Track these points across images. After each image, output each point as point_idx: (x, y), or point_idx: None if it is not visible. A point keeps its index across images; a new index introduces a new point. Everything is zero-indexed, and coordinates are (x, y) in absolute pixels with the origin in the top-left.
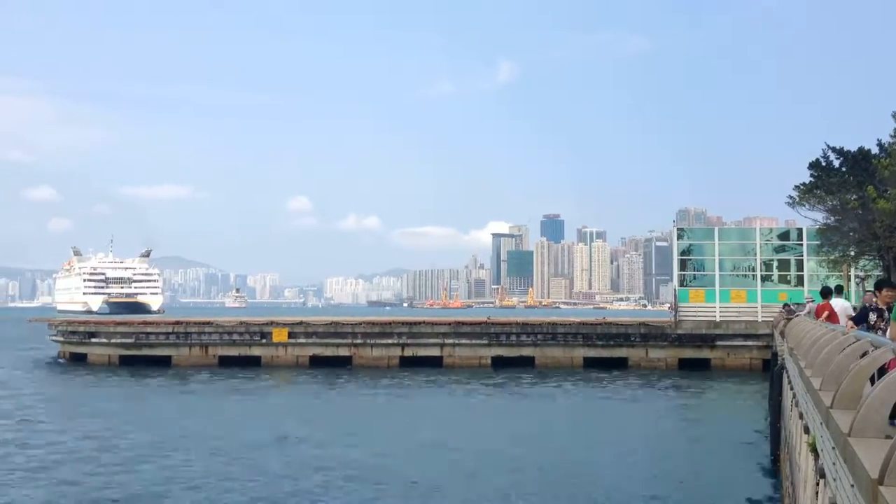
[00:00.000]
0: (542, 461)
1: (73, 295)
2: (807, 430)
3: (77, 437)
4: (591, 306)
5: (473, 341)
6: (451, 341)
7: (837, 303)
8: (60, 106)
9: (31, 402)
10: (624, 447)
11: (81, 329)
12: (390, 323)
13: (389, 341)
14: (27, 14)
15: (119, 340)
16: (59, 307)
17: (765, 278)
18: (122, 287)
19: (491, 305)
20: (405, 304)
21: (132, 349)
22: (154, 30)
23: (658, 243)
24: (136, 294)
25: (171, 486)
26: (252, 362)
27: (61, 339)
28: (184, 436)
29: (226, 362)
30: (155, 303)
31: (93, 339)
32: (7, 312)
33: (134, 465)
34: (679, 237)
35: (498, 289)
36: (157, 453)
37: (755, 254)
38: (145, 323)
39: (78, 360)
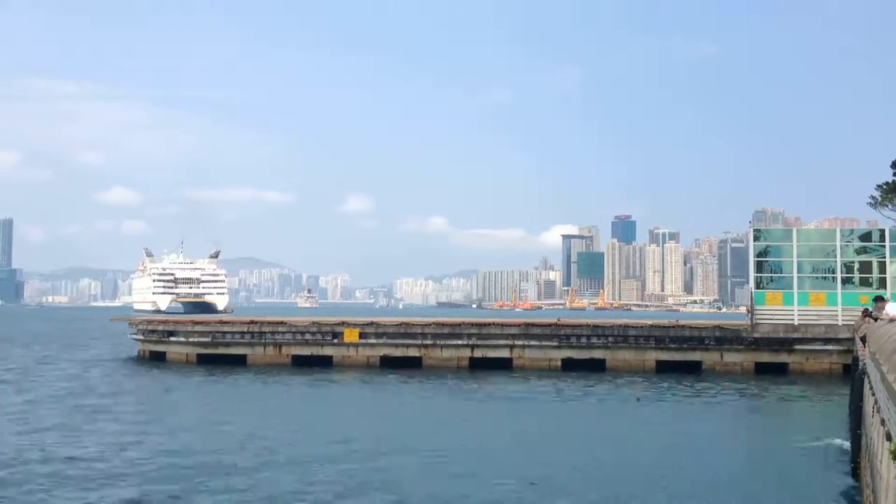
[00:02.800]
0: (620, 464)
1: (144, 294)
2: (889, 437)
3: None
4: (664, 308)
5: (543, 343)
6: (520, 343)
7: None
8: (145, 111)
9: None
10: (700, 452)
11: (160, 328)
12: (460, 324)
13: (459, 342)
14: (125, 28)
15: (197, 339)
16: (136, 306)
17: (845, 281)
18: (190, 287)
19: (561, 307)
20: (474, 306)
21: (209, 348)
22: (231, 38)
23: (733, 244)
24: (204, 294)
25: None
26: (324, 362)
27: (141, 337)
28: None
29: (298, 361)
30: (221, 302)
31: (171, 338)
32: (91, 312)
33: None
34: (756, 238)
35: (568, 290)
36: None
37: (835, 256)
38: (222, 322)
39: (157, 358)
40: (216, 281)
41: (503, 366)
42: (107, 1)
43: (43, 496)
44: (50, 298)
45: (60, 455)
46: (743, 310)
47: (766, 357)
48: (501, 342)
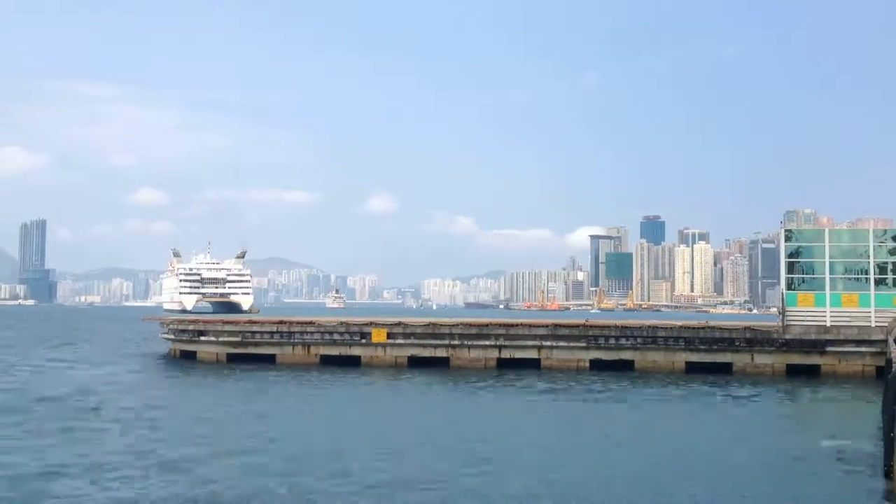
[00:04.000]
0: (650, 468)
1: (172, 294)
2: None
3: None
4: (693, 310)
5: (571, 344)
6: (548, 343)
7: None
8: (177, 112)
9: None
10: (731, 456)
11: (191, 328)
12: (487, 324)
13: (486, 343)
14: (164, 29)
15: (226, 339)
16: (164, 306)
17: (878, 282)
18: (216, 287)
19: (589, 308)
20: (501, 306)
21: (239, 347)
22: (260, 41)
23: (764, 245)
24: (229, 294)
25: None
26: (352, 362)
27: (172, 337)
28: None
29: (327, 361)
30: (246, 302)
31: (202, 338)
32: (123, 312)
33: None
34: (787, 239)
35: (596, 291)
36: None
37: (868, 256)
38: (251, 322)
39: (188, 357)
40: (241, 281)
41: (531, 366)
42: (141, 5)
43: None
44: (83, 298)
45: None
46: (774, 311)
47: (797, 359)
48: (529, 343)
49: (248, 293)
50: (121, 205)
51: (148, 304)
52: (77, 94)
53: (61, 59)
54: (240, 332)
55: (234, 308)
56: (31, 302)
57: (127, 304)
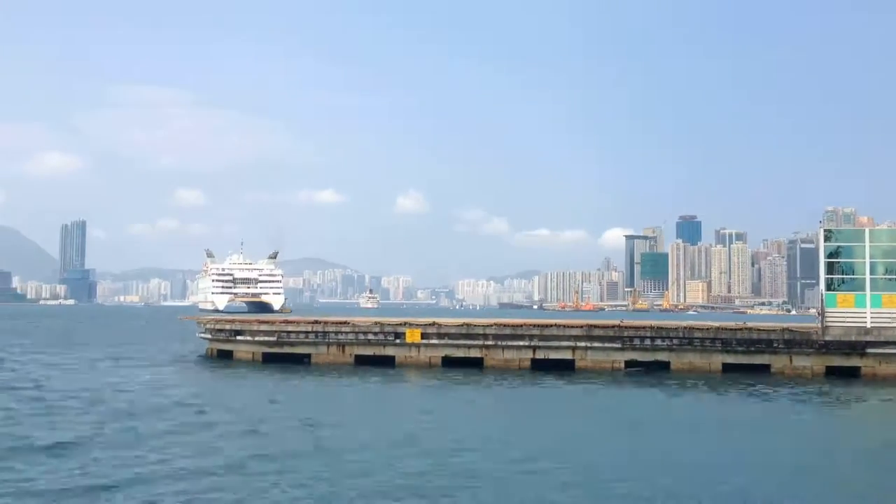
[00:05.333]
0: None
1: (206, 294)
2: None
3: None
4: (731, 311)
5: (606, 345)
6: (583, 344)
7: None
8: (226, 117)
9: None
10: (774, 459)
11: (227, 327)
12: (521, 325)
13: (521, 343)
14: (219, 41)
15: (262, 339)
16: (199, 306)
17: None
18: (248, 287)
19: (624, 309)
20: (535, 307)
21: (274, 347)
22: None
23: (803, 245)
24: (260, 294)
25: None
26: (386, 362)
27: (209, 336)
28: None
29: (361, 361)
30: (277, 302)
31: (238, 338)
32: (161, 311)
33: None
34: (826, 239)
35: (631, 291)
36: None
37: None
38: (286, 322)
39: (224, 356)
40: (273, 281)
41: (565, 367)
42: (199, 18)
43: None
44: (122, 298)
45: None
46: (813, 312)
47: (836, 361)
48: (564, 343)
49: (280, 293)
50: (159, 206)
51: (185, 303)
52: (125, 98)
53: (116, 65)
54: (275, 331)
55: (265, 308)
56: (70, 302)
57: (165, 303)
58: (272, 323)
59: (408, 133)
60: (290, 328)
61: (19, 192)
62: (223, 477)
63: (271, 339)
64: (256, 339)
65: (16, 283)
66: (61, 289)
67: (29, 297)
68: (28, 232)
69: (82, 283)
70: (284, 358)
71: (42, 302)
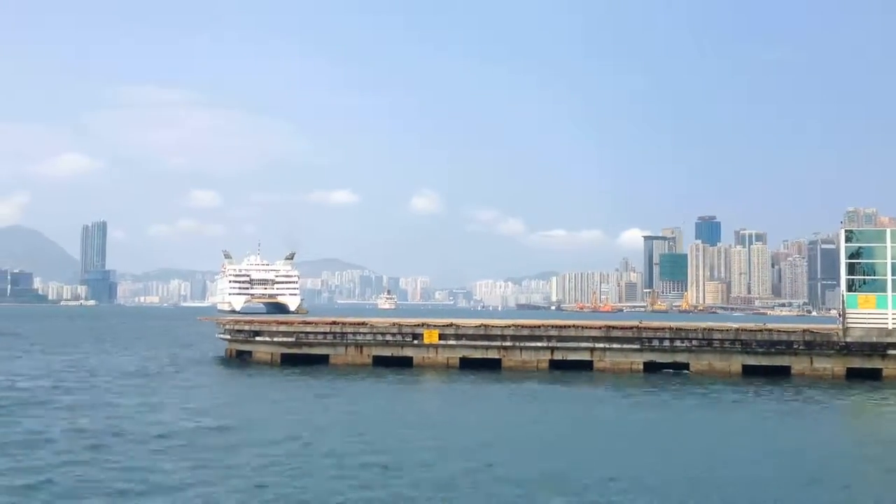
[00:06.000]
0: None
1: (224, 295)
2: None
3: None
4: (750, 312)
5: (625, 346)
6: (601, 346)
7: None
8: (232, 118)
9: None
10: (802, 462)
11: (246, 328)
12: (539, 326)
13: (539, 345)
14: (241, 44)
15: (281, 339)
16: (218, 307)
17: None
18: (265, 288)
19: (642, 310)
20: (553, 308)
21: (293, 348)
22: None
23: (823, 246)
24: (277, 295)
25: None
26: (404, 363)
27: (228, 337)
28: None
29: (379, 362)
30: (293, 303)
31: (257, 338)
32: (181, 312)
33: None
34: (847, 239)
35: (650, 292)
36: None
37: None
38: (305, 322)
39: (243, 357)
40: (289, 282)
41: (583, 369)
42: (219, 21)
43: None
44: (142, 299)
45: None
46: (834, 313)
47: (858, 362)
48: (582, 345)
49: (296, 294)
50: (175, 207)
51: (205, 304)
52: (140, 99)
53: (129, 66)
54: (294, 332)
55: (281, 309)
56: (91, 302)
57: (185, 304)
58: (291, 324)
59: (418, 133)
60: (308, 329)
61: (39, 194)
62: None
63: (290, 339)
64: (275, 339)
65: (37, 284)
66: (82, 289)
67: (50, 297)
68: (49, 233)
69: (103, 283)
70: (303, 359)
71: (63, 303)
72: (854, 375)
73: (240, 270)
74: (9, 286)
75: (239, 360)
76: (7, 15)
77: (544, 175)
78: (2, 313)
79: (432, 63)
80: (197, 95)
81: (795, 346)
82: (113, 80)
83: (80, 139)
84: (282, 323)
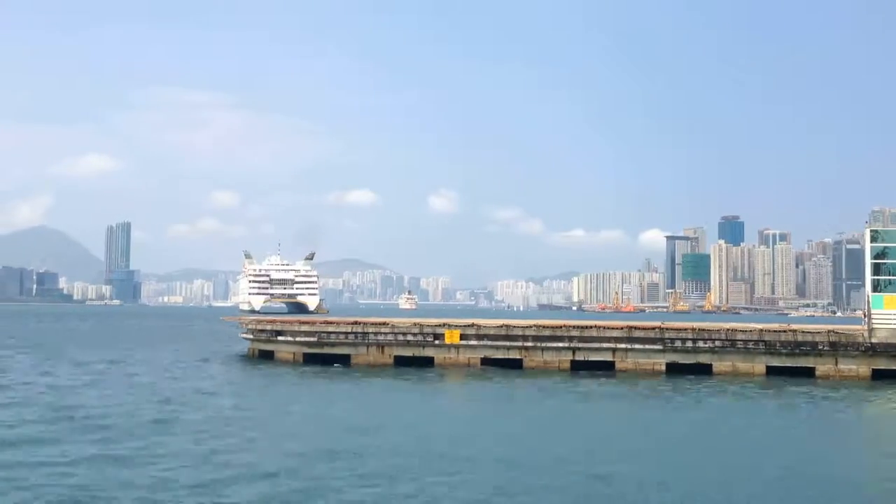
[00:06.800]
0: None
1: (244, 295)
2: None
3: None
4: (774, 312)
5: (647, 346)
6: (623, 346)
7: None
8: (259, 119)
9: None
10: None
11: (269, 328)
12: (561, 326)
13: (560, 345)
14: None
15: (303, 339)
16: (240, 307)
17: None
18: (284, 288)
19: (664, 310)
20: (574, 308)
21: (315, 347)
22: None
23: (849, 246)
24: (296, 295)
25: None
26: (426, 363)
27: (251, 337)
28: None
29: (401, 362)
30: (312, 303)
31: (279, 338)
32: (204, 311)
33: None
34: (873, 239)
35: (672, 293)
36: None
37: None
38: (327, 322)
39: (266, 356)
40: (308, 282)
41: (605, 369)
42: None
43: None
44: (165, 299)
45: None
46: (859, 314)
47: (883, 363)
48: (604, 345)
49: (315, 294)
50: (197, 207)
51: (228, 304)
52: (165, 101)
53: (153, 67)
54: (316, 332)
55: (301, 308)
56: (116, 302)
57: (207, 304)
58: (313, 324)
59: (435, 132)
60: (330, 329)
61: (63, 195)
62: None
63: (312, 339)
64: (297, 339)
65: (62, 283)
66: (107, 289)
67: (75, 297)
68: (74, 234)
69: (127, 283)
70: (325, 358)
71: (88, 302)
72: (880, 377)
73: (259, 270)
74: (34, 286)
75: (262, 359)
76: (35, 16)
77: (562, 175)
78: (41, 312)
79: (449, 63)
80: (223, 97)
81: (820, 348)
82: (137, 82)
83: (104, 140)
84: (304, 323)
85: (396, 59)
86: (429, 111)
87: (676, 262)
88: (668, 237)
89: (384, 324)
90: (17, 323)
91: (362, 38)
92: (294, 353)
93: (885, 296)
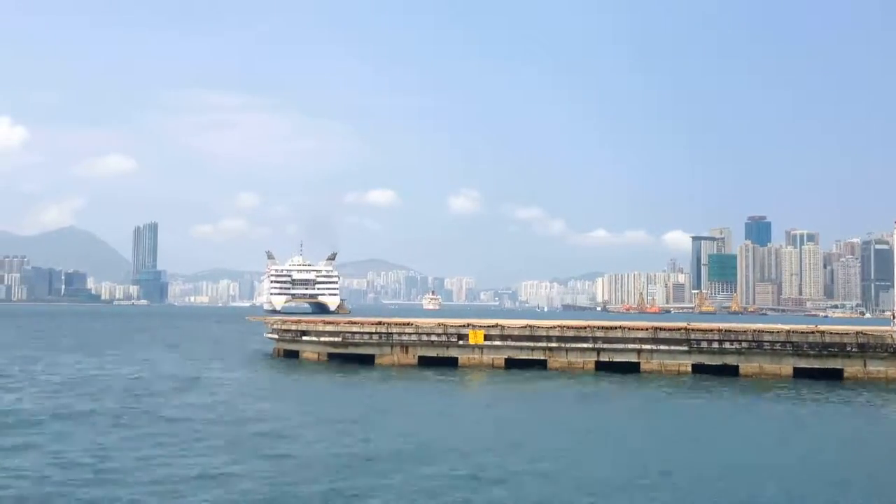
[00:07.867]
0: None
1: (266, 295)
2: None
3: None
4: (802, 313)
5: (672, 348)
6: (648, 347)
7: None
8: (280, 119)
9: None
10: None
11: (293, 328)
12: (585, 327)
13: (585, 346)
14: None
15: (328, 339)
16: (264, 307)
17: None
18: (305, 288)
19: (690, 311)
20: (599, 309)
21: (339, 348)
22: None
23: (877, 246)
24: (317, 295)
25: None
26: (449, 363)
27: (276, 337)
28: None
29: (425, 363)
30: (333, 303)
31: (304, 338)
32: (230, 311)
33: None
34: None
35: (697, 294)
36: None
37: None
38: (351, 322)
39: (291, 356)
40: (329, 282)
41: (630, 370)
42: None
43: None
44: (192, 299)
45: None
46: (888, 315)
47: None
48: (629, 346)
49: (336, 294)
50: (222, 208)
51: (247, 304)
52: (192, 103)
53: (181, 70)
54: (340, 332)
55: (322, 308)
56: (143, 302)
57: (233, 304)
58: (337, 324)
59: (456, 132)
60: (354, 329)
61: (91, 196)
62: None
63: (336, 339)
64: (322, 339)
65: (90, 283)
66: (134, 289)
67: (103, 297)
68: (102, 234)
69: (154, 283)
70: (349, 358)
71: (116, 302)
72: None
73: (281, 271)
74: (63, 286)
75: (287, 359)
76: (63, 17)
77: (582, 176)
78: (78, 312)
79: (466, 64)
80: (248, 99)
81: (849, 349)
82: (163, 84)
83: (132, 141)
84: (328, 323)
85: (414, 60)
86: (445, 111)
87: (702, 262)
88: (693, 237)
89: (408, 324)
90: (66, 322)
91: (381, 40)
92: (318, 353)
93: None
